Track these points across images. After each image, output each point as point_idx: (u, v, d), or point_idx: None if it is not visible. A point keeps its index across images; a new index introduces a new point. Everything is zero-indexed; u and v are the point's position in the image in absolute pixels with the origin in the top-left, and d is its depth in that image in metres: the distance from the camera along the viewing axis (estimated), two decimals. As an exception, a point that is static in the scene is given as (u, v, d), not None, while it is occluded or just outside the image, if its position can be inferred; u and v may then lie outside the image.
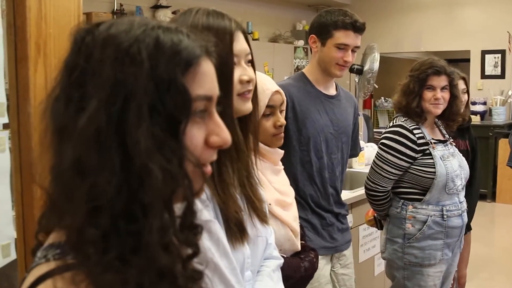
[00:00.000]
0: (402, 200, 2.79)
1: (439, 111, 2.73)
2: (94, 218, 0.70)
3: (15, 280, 2.87)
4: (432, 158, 2.69)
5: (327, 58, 2.48)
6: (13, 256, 1.30)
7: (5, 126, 1.27)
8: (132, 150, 0.70)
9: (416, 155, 2.71)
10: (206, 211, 1.17)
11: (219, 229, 1.18)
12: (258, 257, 1.37)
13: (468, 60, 9.18)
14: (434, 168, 2.68)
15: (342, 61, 2.46)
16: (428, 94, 2.71)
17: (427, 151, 2.70)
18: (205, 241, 1.13)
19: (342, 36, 2.44)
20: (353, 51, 2.48)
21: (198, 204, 1.11)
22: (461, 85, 3.39)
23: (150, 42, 0.73)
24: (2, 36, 1.23)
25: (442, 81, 2.71)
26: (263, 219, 1.36)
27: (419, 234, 2.72)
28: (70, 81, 0.74)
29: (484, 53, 9.04)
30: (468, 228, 3.58)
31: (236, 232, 1.24)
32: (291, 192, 1.79)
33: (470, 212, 3.54)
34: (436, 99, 2.70)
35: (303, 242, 1.79)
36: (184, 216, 0.79)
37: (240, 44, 1.30)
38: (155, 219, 0.72)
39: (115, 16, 6.42)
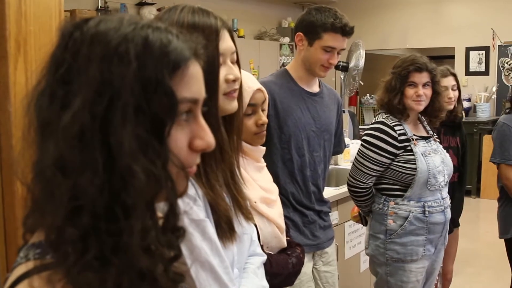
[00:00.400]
0: (384, 197, 2.80)
1: (421, 107, 2.74)
2: (75, 218, 0.69)
3: (-2, 281, 2.84)
4: (413, 155, 2.70)
5: (312, 59, 2.47)
6: (-6, 256, 1.28)
7: None
8: (115, 150, 0.69)
9: (397, 152, 2.72)
10: (199, 210, 1.16)
11: (211, 229, 1.18)
12: (244, 254, 1.38)
13: (452, 57, 9.24)
14: (415, 164, 2.69)
15: (327, 63, 2.45)
16: (410, 91, 2.72)
17: (409, 148, 2.71)
18: (198, 241, 1.13)
19: (330, 39, 2.43)
20: (338, 53, 2.48)
21: (190, 204, 1.11)
22: (451, 81, 3.42)
23: (139, 41, 0.72)
24: (-19, 33, 1.21)
25: (423, 77, 2.72)
26: (247, 216, 1.36)
27: (401, 230, 2.73)
28: (55, 77, 0.73)
29: (468, 49, 9.11)
30: (456, 224, 3.60)
31: (227, 231, 1.24)
32: (275, 189, 1.78)
33: (459, 208, 3.58)
34: (418, 95, 2.71)
35: (288, 238, 1.79)
36: (167, 218, 0.79)
37: (226, 42, 1.29)
38: (137, 220, 0.71)
39: (99, 14, 6.38)
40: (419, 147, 2.72)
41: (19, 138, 0.76)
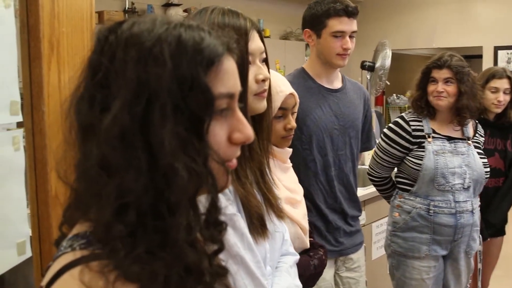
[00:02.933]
0: (397, 189, 2.87)
1: (441, 103, 2.71)
2: (122, 215, 0.72)
3: (30, 278, 2.89)
4: (424, 151, 2.70)
5: (325, 50, 2.41)
6: (28, 253, 1.31)
7: (20, 125, 1.28)
8: (157, 149, 0.71)
9: (411, 146, 2.75)
10: (230, 205, 1.18)
11: (243, 224, 1.20)
12: (276, 252, 1.39)
13: (480, 56, 9.11)
14: (422, 160, 2.69)
15: (341, 49, 2.38)
16: (431, 87, 2.74)
17: (423, 144, 2.72)
18: (230, 236, 1.14)
19: (336, 24, 2.36)
20: (351, 36, 2.40)
21: (222, 199, 1.13)
22: (505, 84, 3.24)
23: (173, 41, 0.74)
24: (15, 35, 1.23)
25: (444, 74, 2.70)
26: (279, 214, 1.37)
27: (403, 224, 2.76)
28: (94, 82, 0.75)
29: (496, 49, 8.96)
30: (501, 232, 3.44)
31: (258, 227, 1.26)
32: (300, 189, 1.78)
33: (500, 215, 3.35)
34: (437, 91, 2.70)
35: (311, 239, 1.79)
36: (209, 213, 0.80)
37: (255, 43, 1.30)
38: (181, 217, 0.73)
39: (126, 15, 6.44)
40: (434, 145, 2.71)
41: (61, 141, 0.79)
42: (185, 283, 0.74)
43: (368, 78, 5.08)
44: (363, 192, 3.55)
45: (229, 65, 0.79)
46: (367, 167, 3.01)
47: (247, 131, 0.81)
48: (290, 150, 1.75)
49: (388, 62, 4.97)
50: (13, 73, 1.22)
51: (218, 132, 0.77)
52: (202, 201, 0.79)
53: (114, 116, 0.71)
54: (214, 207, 0.80)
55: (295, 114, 1.74)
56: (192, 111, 0.73)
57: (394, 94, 10.30)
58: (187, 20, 0.79)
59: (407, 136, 2.75)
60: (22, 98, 1.27)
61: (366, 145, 2.74)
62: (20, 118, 1.25)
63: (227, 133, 0.79)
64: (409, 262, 2.78)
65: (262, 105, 1.32)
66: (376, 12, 8.91)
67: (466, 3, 9.11)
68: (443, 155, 2.70)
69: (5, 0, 1.19)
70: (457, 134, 2.80)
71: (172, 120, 0.71)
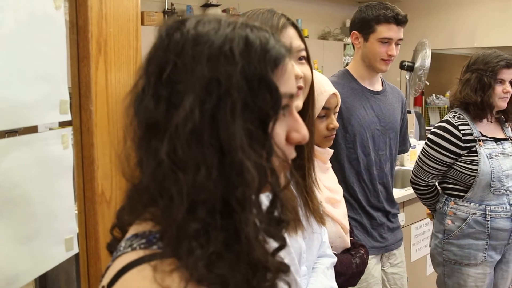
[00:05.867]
0: (446, 196, 2.77)
1: (505, 104, 2.66)
2: (193, 213, 0.72)
3: (72, 273, 2.95)
4: (477, 156, 2.62)
5: (371, 54, 2.46)
6: (75, 249, 1.34)
7: (68, 123, 1.31)
8: (227, 146, 0.72)
9: (461, 152, 2.66)
10: (264, 197, 1.18)
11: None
12: (313, 253, 1.39)
13: (523, 56, 8.90)
14: (477, 165, 2.61)
15: (386, 55, 2.44)
16: (498, 88, 2.64)
17: (474, 148, 2.64)
18: None
19: (385, 30, 2.42)
20: (396, 44, 2.46)
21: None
22: None
23: (241, 41, 0.75)
24: (65, 35, 1.26)
25: (511, 74, 2.63)
26: (320, 220, 1.37)
27: (458, 231, 2.68)
28: (161, 78, 0.75)
29: (540, 48, 8.76)
30: None
31: (291, 219, 1.25)
32: (340, 189, 1.79)
33: None
34: (506, 92, 2.63)
35: (352, 238, 1.79)
36: (271, 210, 0.81)
37: (288, 40, 1.30)
38: (250, 213, 0.74)
39: (166, 16, 6.51)
40: (485, 149, 2.63)
41: (121, 138, 0.80)
42: (251, 280, 0.75)
43: (407, 78, 5.03)
44: (402, 193, 3.52)
45: (290, 66, 0.80)
46: (410, 176, 2.89)
47: (304, 131, 0.81)
48: (331, 151, 1.76)
49: (428, 62, 4.92)
50: (62, 72, 1.25)
51: (279, 131, 0.78)
52: (262, 199, 0.79)
53: (187, 112, 0.72)
54: (277, 204, 0.81)
55: (337, 114, 1.74)
56: (260, 109, 0.74)
57: (434, 95, 10.15)
58: (251, 21, 0.80)
59: (457, 141, 2.66)
60: (70, 98, 1.29)
61: (402, 148, 2.76)
62: (69, 117, 1.28)
63: (286, 133, 0.80)
64: (464, 270, 2.70)
65: (296, 104, 1.31)
66: (415, 11, 8.79)
67: (508, 1, 8.92)
68: (496, 158, 2.64)
69: (55, 1, 1.22)
70: (501, 135, 2.74)
71: (242, 118, 0.72)
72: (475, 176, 2.62)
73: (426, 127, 6.18)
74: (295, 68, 1.30)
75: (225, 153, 0.72)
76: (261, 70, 0.74)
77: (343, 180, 2.40)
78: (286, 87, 0.78)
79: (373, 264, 2.47)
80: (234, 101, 0.72)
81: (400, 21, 2.43)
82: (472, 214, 2.65)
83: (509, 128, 2.82)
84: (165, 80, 0.75)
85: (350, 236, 1.78)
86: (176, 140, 0.72)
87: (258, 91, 0.74)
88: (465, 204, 2.68)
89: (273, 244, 0.82)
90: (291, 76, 0.80)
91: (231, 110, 0.72)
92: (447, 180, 2.77)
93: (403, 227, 3.42)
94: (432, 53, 5.00)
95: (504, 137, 2.75)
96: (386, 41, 2.43)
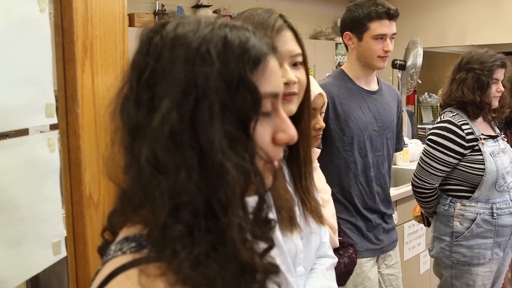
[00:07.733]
0: (450, 198, 2.74)
1: (497, 103, 2.67)
2: (176, 215, 0.72)
3: (63, 277, 2.94)
4: (481, 155, 2.62)
5: (367, 53, 2.44)
6: (63, 253, 1.33)
7: (54, 127, 1.30)
8: (206, 148, 0.71)
9: (465, 152, 2.64)
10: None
11: (272, 217, 1.19)
12: (311, 253, 1.38)
13: (515, 53, 8.94)
14: (484, 164, 2.61)
15: (383, 52, 2.42)
16: (493, 87, 2.65)
17: (477, 147, 2.63)
18: None
19: (378, 27, 2.40)
20: (391, 38, 2.44)
21: None
22: None
23: (219, 41, 0.74)
24: (50, 38, 1.25)
25: (503, 73, 2.66)
26: (319, 220, 1.37)
27: (468, 232, 2.66)
28: (140, 82, 0.75)
29: (531, 45, 8.79)
30: None
31: (287, 219, 1.25)
32: (328, 189, 1.78)
33: None
34: (499, 91, 2.64)
35: (341, 238, 1.78)
36: (258, 212, 0.80)
37: (282, 44, 1.29)
38: (234, 215, 0.73)
39: (157, 17, 6.49)
40: (488, 147, 2.64)
41: (108, 143, 0.80)
42: (240, 283, 0.74)
43: (399, 76, 5.03)
44: (395, 192, 3.52)
45: (274, 64, 0.79)
46: (412, 179, 2.83)
47: (291, 131, 0.81)
48: (318, 150, 1.76)
49: (419, 61, 4.92)
50: (48, 75, 1.24)
51: (263, 132, 0.77)
52: (249, 201, 0.79)
53: (163, 116, 0.71)
54: (263, 206, 0.80)
55: (323, 114, 1.74)
56: (239, 110, 0.73)
57: (426, 93, 10.17)
58: (231, 21, 0.80)
59: (461, 141, 2.65)
60: (56, 101, 1.28)
61: (397, 147, 2.74)
62: (55, 120, 1.27)
63: (272, 133, 0.79)
64: (473, 270, 2.70)
65: (288, 108, 1.30)
66: (406, 9, 8.80)
67: (499, -1, 8.95)
68: (498, 155, 2.65)
69: (40, 4, 1.21)
70: (493, 133, 2.76)
71: (221, 119, 0.72)
72: (482, 175, 2.62)
73: (419, 126, 6.20)
74: (289, 74, 1.28)
75: (205, 155, 0.71)
76: (239, 70, 0.74)
77: (339, 184, 2.40)
78: (268, 87, 0.77)
79: (370, 267, 2.46)
80: (211, 103, 0.71)
81: (392, 15, 2.41)
82: (480, 214, 2.64)
83: (495, 125, 2.84)
84: (144, 83, 0.75)
85: (339, 236, 1.78)
86: (155, 144, 0.72)
87: (236, 92, 0.73)
88: (472, 204, 2.66)
89: (262, 245, 0.81)
90: (274, 75, 0.79)
91: (209, 112, 0.71)
92: (450, 181, 2.75)
93: (396, 226, 3.42)
94: (423, 51, 5.00)
95: (495, 134, 2.76)
96: (381, 37, 2.41)
